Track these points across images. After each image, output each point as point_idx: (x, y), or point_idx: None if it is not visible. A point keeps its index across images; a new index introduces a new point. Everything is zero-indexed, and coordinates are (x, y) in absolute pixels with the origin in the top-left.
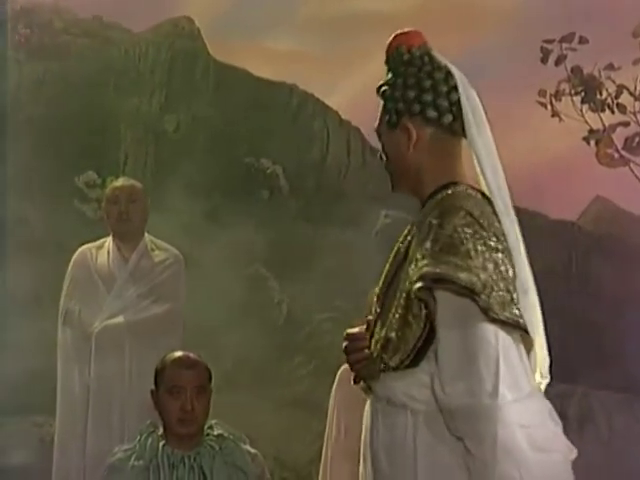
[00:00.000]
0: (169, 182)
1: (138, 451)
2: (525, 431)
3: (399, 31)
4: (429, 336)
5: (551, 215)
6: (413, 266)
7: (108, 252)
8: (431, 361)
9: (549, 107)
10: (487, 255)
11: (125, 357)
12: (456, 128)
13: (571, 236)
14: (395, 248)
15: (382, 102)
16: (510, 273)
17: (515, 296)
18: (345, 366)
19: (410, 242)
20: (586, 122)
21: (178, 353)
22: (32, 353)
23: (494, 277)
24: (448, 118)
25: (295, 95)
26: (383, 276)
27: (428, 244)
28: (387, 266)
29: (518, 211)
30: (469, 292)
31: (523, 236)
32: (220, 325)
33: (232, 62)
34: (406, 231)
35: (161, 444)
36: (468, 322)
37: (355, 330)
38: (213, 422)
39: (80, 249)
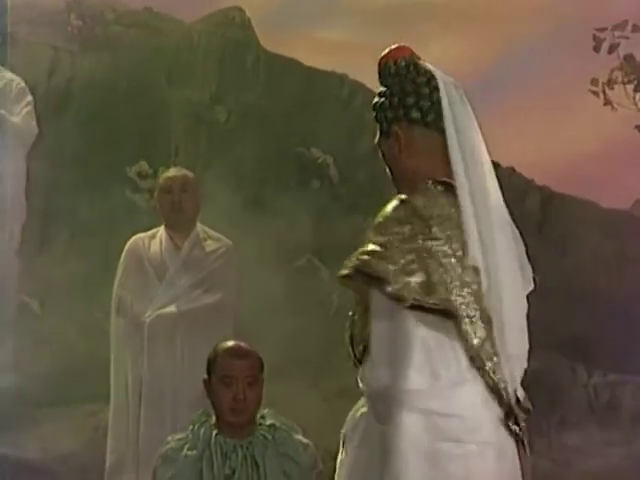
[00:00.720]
0: (220, 172)
1: (191, 440)
2: (434, 419)
3: (387, 48)
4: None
5: (603, 204)
6: None
7: (160, 242)
8: None
9: (601, 96)
10: (411, 245)
11: (177, 346)
12: (442, 126)
13: (623, 225)
14: None
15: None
16: (447, 260)
17: (453, 283)
18: None
19: None
20: (639, 110)
21: (230, 343)
22: (86, 342)
23: (414, 266)
24: (432, 116)
25: (346, 85)
26: None
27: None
28: None
29: (570, 200)
30: (377, 281)
31: (573, 225)
32: (271, 315)
33: (282, 52)
34: None
35: (214, 433)
36: (385, 310)
37: None
38: (265, 411)
39: (133, 239)
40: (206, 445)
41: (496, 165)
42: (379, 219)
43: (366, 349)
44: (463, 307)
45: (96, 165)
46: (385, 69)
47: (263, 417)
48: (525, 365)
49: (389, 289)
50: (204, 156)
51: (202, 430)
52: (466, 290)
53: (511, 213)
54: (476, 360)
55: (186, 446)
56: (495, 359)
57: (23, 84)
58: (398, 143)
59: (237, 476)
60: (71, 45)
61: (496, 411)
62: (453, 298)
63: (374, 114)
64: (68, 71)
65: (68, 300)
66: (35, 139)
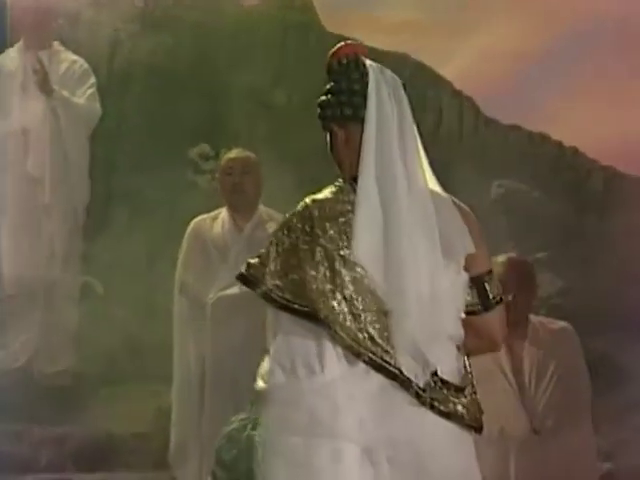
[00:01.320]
0: (280, 154)
1: (254, 421)
2: (285, 412)
3: (337, 46)
4: None
5: None
6: None
7: (223, 223)
8: None
9: None
10: (293, 251)
11: (240, 327)
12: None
13: None
14: None
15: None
16: (330, 263)
17: (328, 286)
18: None
19: None
20: None
21: None
22: (148, 322)
23: (290, 270)
24: (363, 111)
25: (408, 65)
26: None
27: None
28: None
29: (634, 180)
30: (253, 284)
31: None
32: None
33: (344, 33)
34: None
35: None
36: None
37: None
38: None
39: (195, 220)
40: None
41: (560, 145)
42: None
43: None
44: (339, 308)
45: (158, 147)
46: (330, 68)
47: None
48: (445, 345)
49: (259, 291)
50: (265, 138)
51: None
52: (348, 290)
53: (574, 193)
54: (362, 355)
55: (249, 426)
56: (385, 348)
57: (86, 66)
58: (338, 141)
59: None
60: (133, 26)
61: (379, 405)
62: (327, 300)
63: (318, 111)
64: (130, 52)
65: (130, 280)
66: (98, 120)
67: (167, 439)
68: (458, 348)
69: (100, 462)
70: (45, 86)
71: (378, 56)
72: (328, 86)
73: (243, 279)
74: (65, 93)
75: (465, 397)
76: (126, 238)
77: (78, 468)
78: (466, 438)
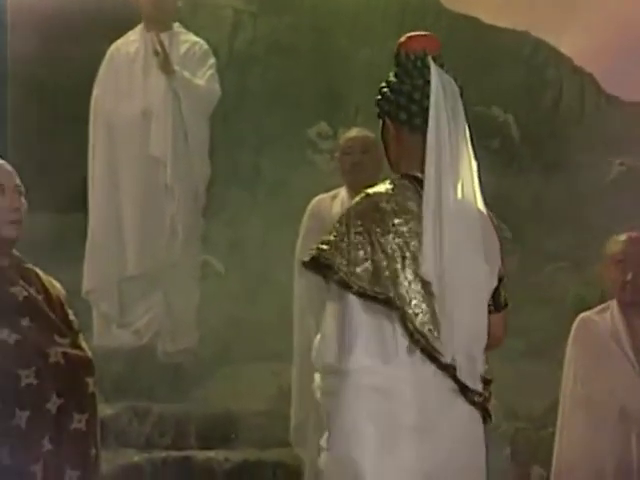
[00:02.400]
0: None
1: None
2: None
3: (409, 34)
4: None
5: None
6: None
7: (342, 202)
8: None
9: None
10: (364, 237)
11: None
12: (425, 130)
13: None
14: None
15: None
16: (398, 253)
17: (400, 275)
18: (582, 315)
19: None
20: None
21: None
22: (268, 301)
23: (364, 257)
24: (418, 120)
25: (527, 42)
26: None
27: None
28: None
29: None
30: (328, 270)
31: None
32: None
33: (463, 11)
34: None
35: None
36: (336, 294)
37: None
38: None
39: (315, 199)
40: None
41: None
42: (343, 211)
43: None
44: (407, 296)
45: (277, 126)
46: (398, 56)
47: None
48: (484, 343)
49: (336, 277)
50: None
51: None
52: (414, 283)
53: None
54: (419, 342)
55: None
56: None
57: (206, 47)
58: (387, 133)
59: None
60: (252, 7)
61: (446, 384)
62: (398, 289)
63: (377, 98)
64: (250, 33)
65: (250, 259)
66: (218, 101)
67: (288, 417)
68: None
69: (221, 440)
70: (166, 67)
71: (497, 34)
72: (392, 77)
73: (314, 265)
74: (186, 74)
75: (488, 390)
76: (245, 217)
77: (200, 446)
78: (480, 426)
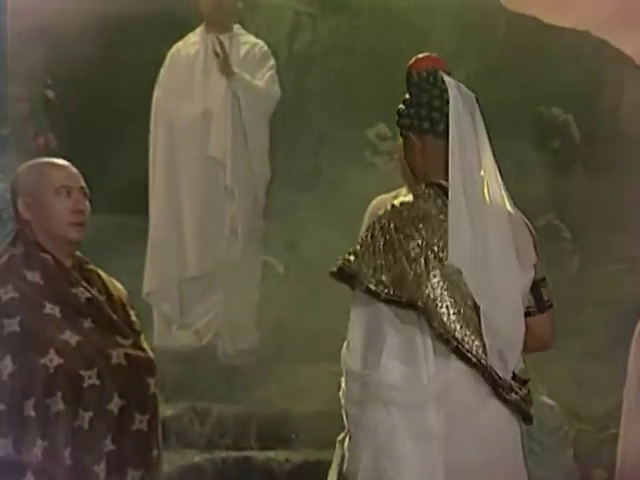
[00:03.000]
0: None
1: None
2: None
3: (416, 57)
4: None
5: None
6: None
7: None
8: None
9: None
10: (390, 246)
11: None
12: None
13: None
14: None
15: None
16: (423, 259)
17: (426, 280)
18: None
19: None
20: None
21: None
22: (331, 303)
23: (390, 265)
24: (441, 126)
25: (588, 42)
26: None
27: None
28: None
29: None
30: (355, 279)
31: None
32: None
33: (523, 10)
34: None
35: None
36: (363, 300)
37: None
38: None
39: (376, 199)
40: None
41: None
42: (370, 223)
43: None
44: (435, 298)
45: (336, 127)
46: (409, 78)
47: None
48: (520, 343)
49: (361, 286)
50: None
51: None
52: (440, 285)
53: None
54: (450, 343)
55: None
56: (476, 342)
57: (266, 48)
58: (414, 148)
59: None
60: (312, 8)
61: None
62: (424, 291)
63: (396, 119)
64: (309, 34)
65: (309, 260)
66: (277, 102)
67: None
68: None
69: (281, 440)
70: (226, 69)
71: (557, 33)
72: (407, 96)
73: (340, 275)
74: (246, 76)
75: (525, 389)
76: (305, 218)
77: (260, 446)
78: (515, 425)
